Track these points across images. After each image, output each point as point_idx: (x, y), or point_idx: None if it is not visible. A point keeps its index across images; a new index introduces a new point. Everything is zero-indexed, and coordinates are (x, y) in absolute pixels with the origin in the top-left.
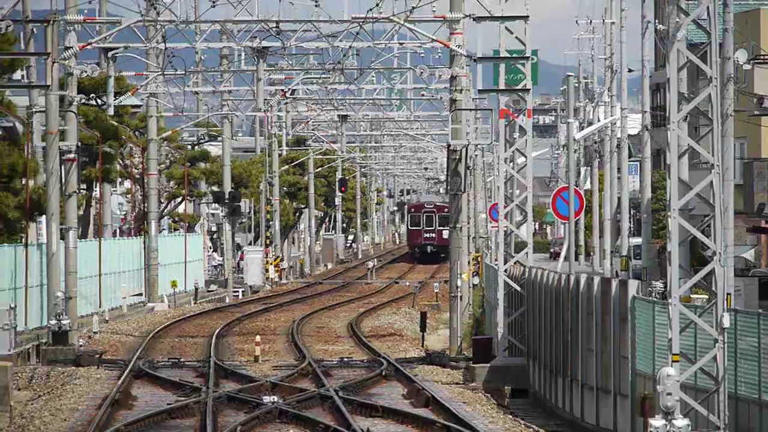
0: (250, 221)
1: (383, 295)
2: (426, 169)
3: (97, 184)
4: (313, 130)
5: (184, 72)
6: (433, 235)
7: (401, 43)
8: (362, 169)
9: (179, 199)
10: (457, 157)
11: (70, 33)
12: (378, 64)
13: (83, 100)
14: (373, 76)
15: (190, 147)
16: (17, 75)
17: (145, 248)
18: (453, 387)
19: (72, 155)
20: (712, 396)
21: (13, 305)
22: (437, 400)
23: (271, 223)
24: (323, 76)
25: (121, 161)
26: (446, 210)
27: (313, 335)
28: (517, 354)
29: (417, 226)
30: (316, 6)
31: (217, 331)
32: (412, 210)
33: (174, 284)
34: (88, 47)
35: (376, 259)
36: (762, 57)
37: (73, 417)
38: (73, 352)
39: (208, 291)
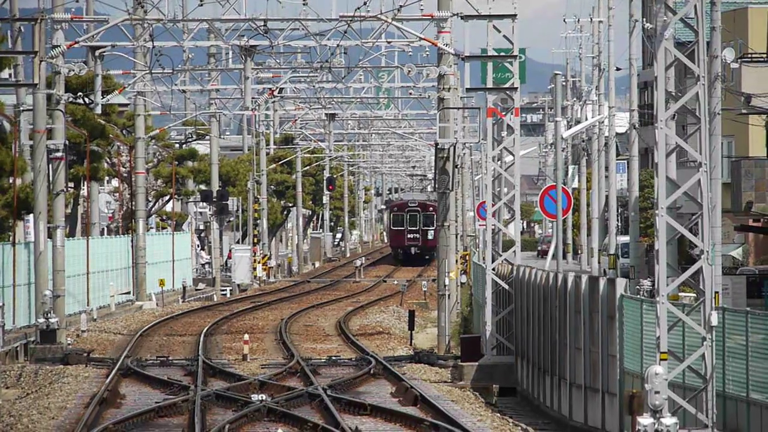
0: (237, 220)
1: (371, 294)
2: (414, 167)
3: (85, 183)
4: (300, 128)
5: (171, 71)
6: (417, 235)
7: (389, 42)
8: (350, 168)
9: (167, 198)
10: (445, 155)
11: (57, 31)
12: (366, 63)
13: (71, 99)
14: (360, 75)
15: (177, 145)
16: (5, 73)
17: (132, 247)
18: (441, 385)
19: (59, 154)
20: (700, 394)
21: (0, 303)
22: (425, 399)
23: (258, 221)
24: (311, 74)
25: (108, 160)
26: (431, 209)
27: (301, 334)
28: (505, 352)
29: (400, 226)
30: (303, 4)
31: (206, 329)
32: (395, 209)
33: (162, 283)
34: (76, 46)
35: (364, 258)
36: (749, 55)
37: (61, 415)
38: (61, 350)
39: (196, 289)
